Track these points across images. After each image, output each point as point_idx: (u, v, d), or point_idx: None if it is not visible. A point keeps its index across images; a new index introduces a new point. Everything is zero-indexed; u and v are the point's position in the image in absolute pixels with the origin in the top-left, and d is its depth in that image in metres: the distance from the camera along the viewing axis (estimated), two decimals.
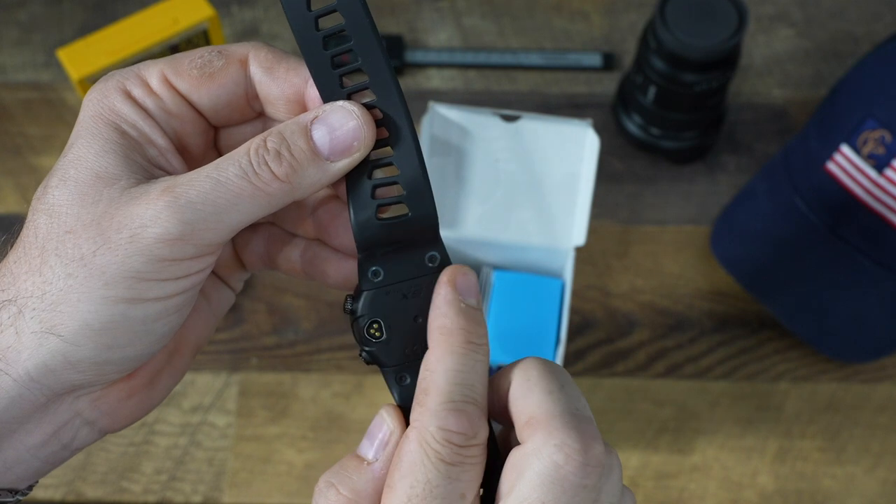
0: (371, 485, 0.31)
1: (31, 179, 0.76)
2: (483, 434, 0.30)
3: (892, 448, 0.67)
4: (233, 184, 0.30)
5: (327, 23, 0.31)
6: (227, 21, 0.84)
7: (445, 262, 0.32)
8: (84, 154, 0.31)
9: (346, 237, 0.35)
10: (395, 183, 0.32)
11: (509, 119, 0.56)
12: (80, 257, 0.29)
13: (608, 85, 0.81)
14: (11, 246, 0.31)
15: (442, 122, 0.55)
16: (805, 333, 0.68)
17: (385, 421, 0.32)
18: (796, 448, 0.67)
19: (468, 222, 0.57)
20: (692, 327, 0.71)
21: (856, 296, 0.68)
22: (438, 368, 0.30)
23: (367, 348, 0.32)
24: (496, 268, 0.58)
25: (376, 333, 0.32)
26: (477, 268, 0.59)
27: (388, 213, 0.32)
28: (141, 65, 0.33)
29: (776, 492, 0.66)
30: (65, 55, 0.70)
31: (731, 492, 0.66)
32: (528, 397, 0.30)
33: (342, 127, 0.31)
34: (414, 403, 0.30)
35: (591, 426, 0.30)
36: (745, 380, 0.69)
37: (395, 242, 0.32)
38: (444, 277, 0.32)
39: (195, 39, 0.73)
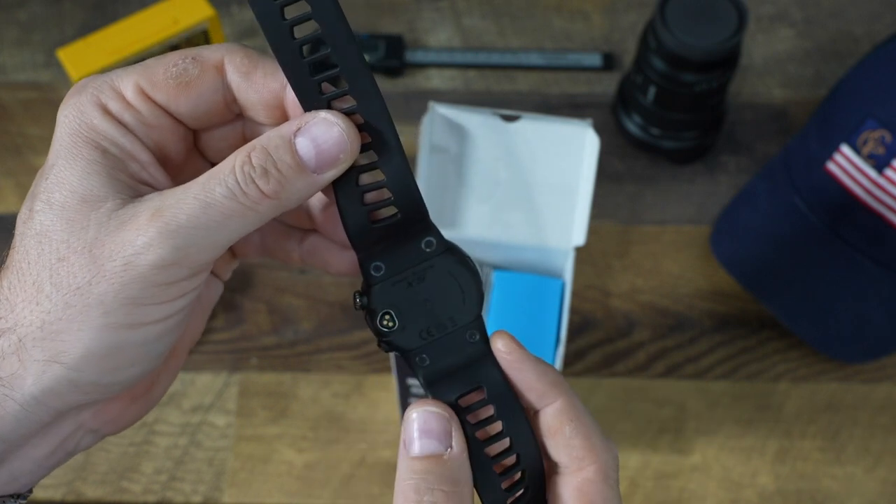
0: (462, 472, 0.31)
1: (30, 179, 0.76)
2: None
3: (892, 448, 0.67)
4: (221, 204, 0.30)
5: (303, 30, 0.31)
6: (227, 21, 0.84)
7: (441, 244, 0.33)
8: (67, 176, 0.30)
9: (343, 234, 0.35)
10: (382, 187, 0.32)
11: (509, 119, 0.56)
12: (77, 287, 0.29)
13: (608, 85, 0.81)
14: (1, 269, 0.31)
15: (442, 122, 0.55)
16: (805, 333, 0.68)
17: (433, 411, 0.32)
18: (796, 448, 0.67)
19: (468, 222, 0.57)
20: (692, 327, 0.71)
21: (856, 296, 0.68)
22: None
23: (383, 339, 0.33)
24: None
25: (389, 323, 0.33)
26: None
27: (380, 215, 0.33)
28: (113, 75, 0.32)
29: (776, 492, 0.66)
30: (65, 55, 0.70)
31: (731, 492, 0.66)
32: (579, 436, 0.32)
33: (327, 139, 0.30)
34: None
35: None
36: (745, 380, 0.69)
37: (391, 238, 0.33)
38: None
39: (195, 39, 0.73)
